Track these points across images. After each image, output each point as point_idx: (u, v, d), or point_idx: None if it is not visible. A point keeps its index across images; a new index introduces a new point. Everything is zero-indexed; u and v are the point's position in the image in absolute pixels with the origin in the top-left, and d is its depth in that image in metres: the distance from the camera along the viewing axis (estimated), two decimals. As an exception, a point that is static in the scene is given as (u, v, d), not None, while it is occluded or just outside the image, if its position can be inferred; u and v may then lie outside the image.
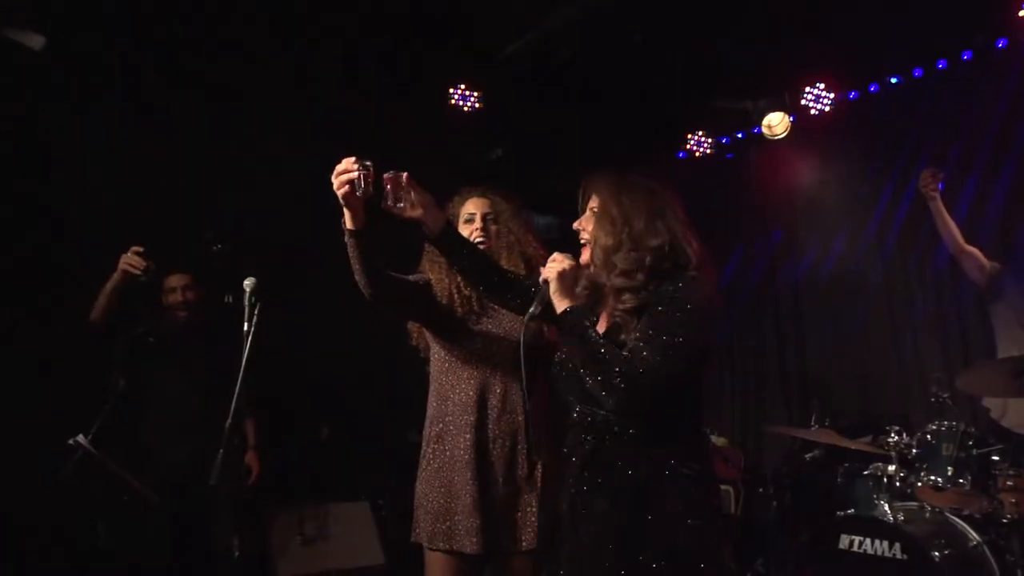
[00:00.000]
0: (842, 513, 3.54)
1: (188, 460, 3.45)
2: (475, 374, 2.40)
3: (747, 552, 4.54)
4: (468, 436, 2.34)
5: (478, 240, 2.43)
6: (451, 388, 2.41)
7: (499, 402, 2.38)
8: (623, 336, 1.84)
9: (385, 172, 1.99)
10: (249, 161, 4.65)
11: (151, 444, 3.65)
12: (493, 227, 2.49)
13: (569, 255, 1.98)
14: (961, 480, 3.29)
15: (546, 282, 1.96)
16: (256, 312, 2.48)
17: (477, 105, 4.95)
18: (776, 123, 5.05)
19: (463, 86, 4.91)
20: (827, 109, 4.94)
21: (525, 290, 2.12)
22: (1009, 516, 3.17)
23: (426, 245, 2.41)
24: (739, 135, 5.62)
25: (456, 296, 2.41)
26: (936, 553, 3.07)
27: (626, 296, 1.87)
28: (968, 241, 3.95)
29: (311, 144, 4.39)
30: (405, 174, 2.00)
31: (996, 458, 3.33)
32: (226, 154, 4.60)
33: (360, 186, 1.96)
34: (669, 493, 1.80)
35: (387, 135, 4.32)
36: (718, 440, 5.18)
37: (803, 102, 4.94)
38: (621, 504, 1.81)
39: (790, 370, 5.53)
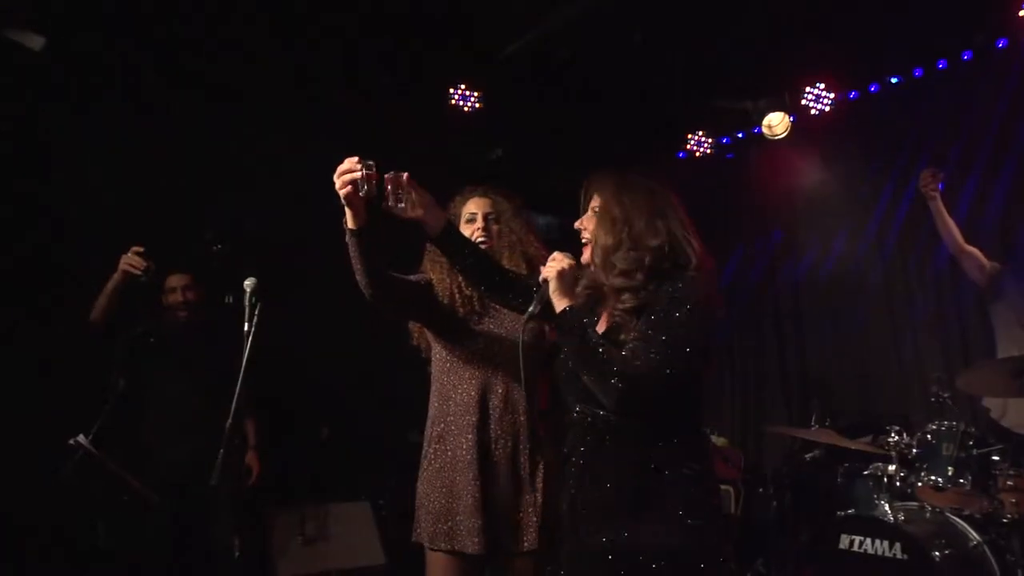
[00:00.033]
0: (842, 513, 3.54)
1: (188, 460, 3.44)
2: (477, 374, 2.39)
3: (747, 552, 4.54)
4: (470, 436, 2.33)
5: (480, 240, 2.42)
6: (453, 388, 2.41)
7: (501, 402, 2.38)
8: (622, 336, 1.84)
9: (385, 172, 2.00)
10: (249, 161, 4.65)
11: (151, 444, 3.65)
12: (495, 227, 2.49)
13: (569, 254, 1.98)
14: (961, 480, 3.29)
15: (546, 281, 1.96)
16: (256, 312, 2.48)
17: (477, 105, 4.96)
18: (776, 123, 5.05)
19: (463, 86, 4.91)
20: (827, 109, 4.94)
21: (527, 290, 2.12)
22: (1009, 516, 3.17)
23: (427, 245, 2.41)
24: (739, 135, 5.62)
25: (457, 296, 2.41)
26: (936, 553, 3.07)
27: (625, 296, 1.87)
28: (968, 241, 3.95)
29: (311, 144, 4.39)
30: (405, 174, 2.00)
31: (996, 458, 3.33)
32: (226, 154, 4.60)
33: (363, 186, 1.96)
34: (669, 493, 1.79)
35: (387, 135, 4.32)
36: (718, 440, 5.18)
37: (803, 102, 4.94)
38: (621, 504, 1.81)
39: (790, 370, 5.53)
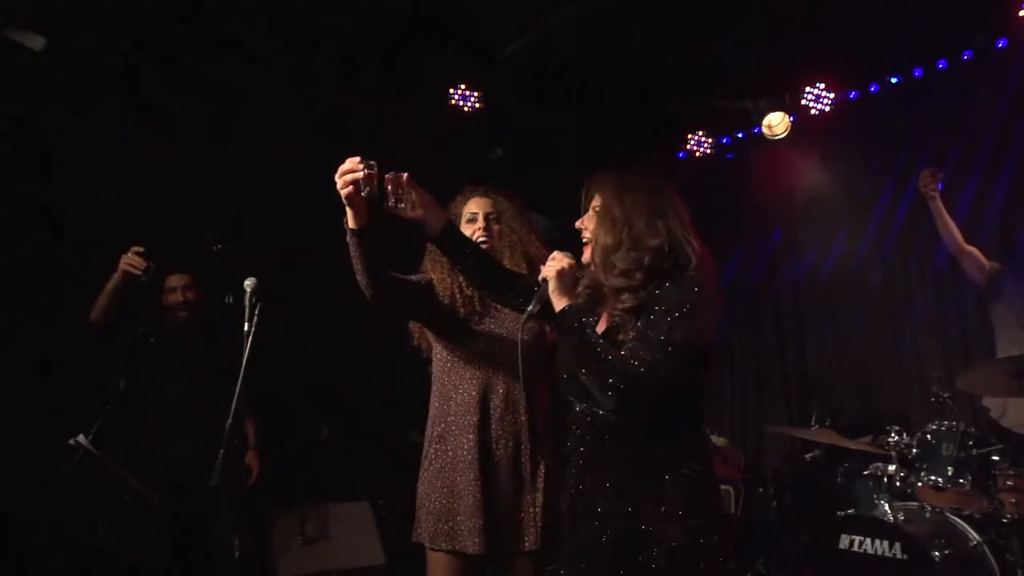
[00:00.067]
0: (842, 513, 3.54)
1: (188, 460, 3.45)
2: (477, 374, 2.39)
3: (747, 552, 4.54)
4: (471, 436, 2.33)
5: (481, 240, 2.42)
6: (453, 388, 2.41)
7: (502, 402, 2.37)
8: (621, 336, 1.84)
9: (386, 172, 2.00)
10: (249, 161, 4.65)
11: (151, 444, 3.65)
12: (496, 226, 2.49)
13: (569, 254, 1.98)
14: (961, 480, 3.29)
15: (545, 280, 1.96)
16: (256, 312, 2.48)
17: (477, 105, 4.95)
18: (776, 123, 5.05)
19: (463, 86, 4.91)
20: (827, 109, 4.94)
21: (528, 289, 2.12)
22: (1009, 516, 3.17)
23: (428, 245, 2.40)
24: (739, 135, 5.62)
25: (458, 296, 2.41)
26: (936, 553, 3.07)
27: (625, 296, 1.87)
28: (968, 241, 3.96)
29: (311, 144, 4.39)
30: (405, 174, 2.00)
31: (996, 458, 3.33)
32: (226, 154, 4.60)
33: (365, 186, 1.96)
34: (669, 493, 1.79)
35: (387, 135, 4.32)
36: (718, 440, 5.18)
37: (803, 102, 4.94)
38: (621, 504, 1.81)
39: (790, 370, 5.53)
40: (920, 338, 4.84)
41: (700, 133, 5.55)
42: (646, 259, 1.86)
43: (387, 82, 4.66)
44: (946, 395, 3.50)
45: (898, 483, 3.42)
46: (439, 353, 2.47)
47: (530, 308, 1.97)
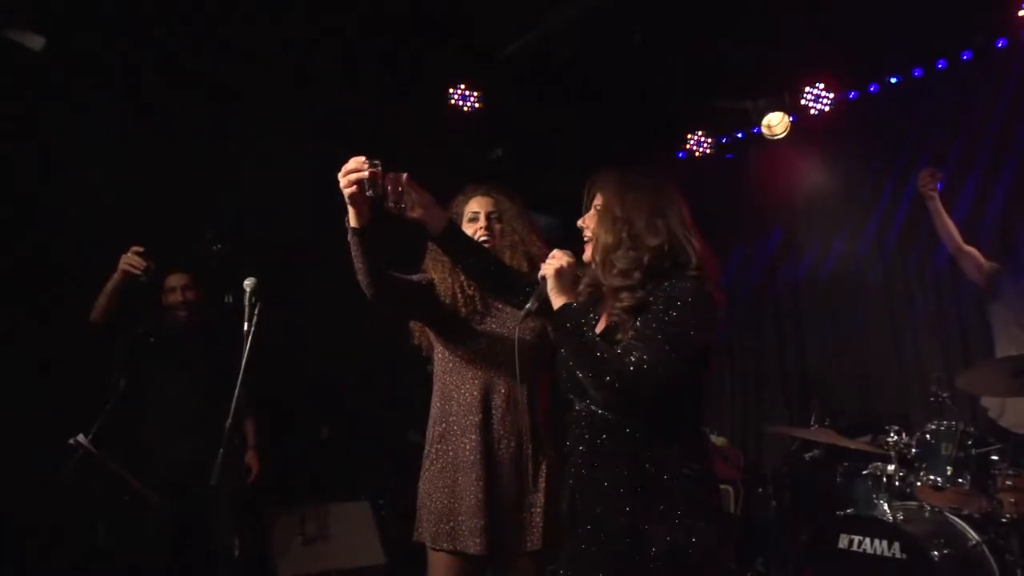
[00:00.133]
0: (842, 513, 3.54)
1: (188, 460, 3.45)
2: (479, 374, 2.39)
3: (747, 552, 4.54)
4: (473, 437, 2.33)
5: (482, 239, 2.42)
6: (455, 388, 2.40)
7: (503, 402, 2.37)
8: (620, 335, 1.84)
9: (387, 172, 2.00)
10: (249, 161, 4.65)
11: (151, 444, 3.65)
12: (497, 226, 2.48)
13: (569, 252, 1.98)
14: (960, 480, 3.29)
15: (544, 278, 1.96)
16: (256, 312, 2.48)
17: (477, 105, 4.96)
18: (776, 123, 5.05)
19: (463, 86, 4.92)
20: (827, 109, 4.95)
21: (530, 288, 2.12)
22: (1008, 516, 3.17)
23: (429, 244, 2.40)
24: (739, 135, 5.63)
25: (459, 296, 2.41)
26: (935, 553, 3.07)
27: (624, 295, 1.87)
28: (968, 241, 3.96)
29: (311, 144, 4.40)
30: (405, 175, 2.00)
31: (995, 458, 3.33)
32: (226, 154, 4.60)
33: (370, 187, 1.96)
34: (669, 493, 1.79)
35: (387, 135, 4.32)
36: (718, 440, 5.18)
37: (803, 102, 4.94)
38: (620, 504, 1.81)
39: (790, 370, 5.53)
40: (920, 338, 4.84)
41: (700, 133, 5.56)
42: (645, 258, 1.86)
43: (387, 82, 4.66)
44: (945, 395, 3.50)
45: (897, 483, 3.42)
46: (440, 353, 2.47)
47: (528, 306, 1.97)
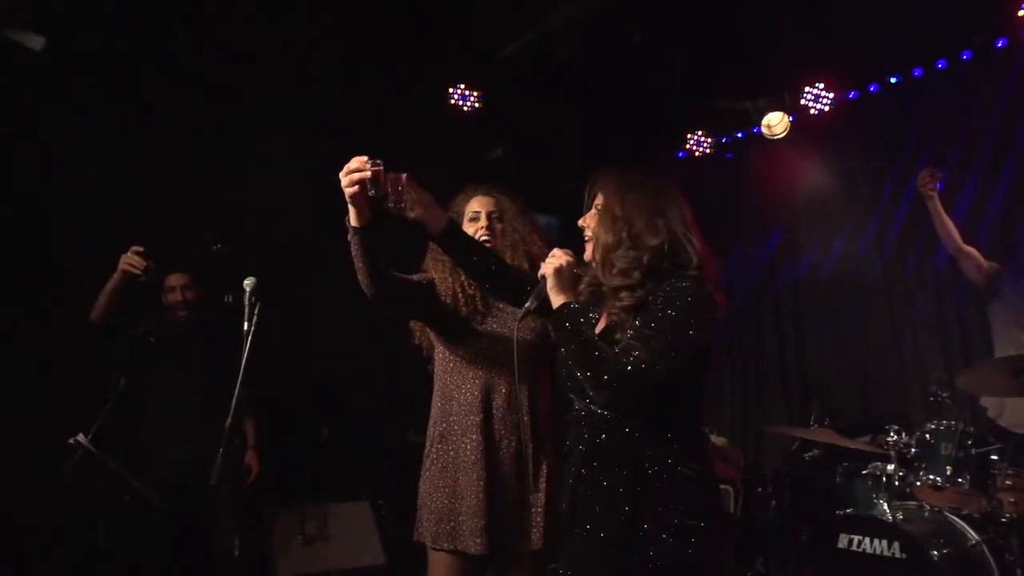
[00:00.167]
0: (841, 512, 3.54)
1: (188, 460, 3.45)
2: (480, 374, 2.39)
3: (747, 552, 4.54)
4: (474, 437, 2.33)
5: (483, 238, 2.42)
6: (456, 388, 2.40)
7: (504, 402, 2.37)
8: (619, 335, 1.84)
9: (387, 172, 2.00)
10: (249, 161, 4.65)
11: (151, 444, 3.65)
12: (498, 225, 2.48)
13: (569, 251, 1.99)
14: (960, 479, 3.29)
15: (544, 277, 1.96)
16: (256, 312, 2.48)
17: (477, 105, 4.96)
18: (776, 123, 5.05)
19: (463, 86, 4.92)
20: (827, 109, 4.95)
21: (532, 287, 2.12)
22: (1008, 515, 3.17)
23: (430, 244, 2.40)
24: (739, 135, 5.63)
25: (460, 296, 2.41)
26: (935, 552, 3.07)
27: (623, 294, 1.87)
28: (968, 241, 3.96)
29: (311, 144, 4.40)
30: (405, 175, 2.00)
31: (995, 457, 3.33)
32: (226, 154, 4.60)
33: (372, 187, 1.96)
34: (669, 493, 1.79)
35: (387, 135, 4.31)
36: (718, 440, 5.18)
37: (803, 102, 4.94)
38: (620, 503, 1.81)
39: (790, 370, 5.53)
40: (920, 338, 4.84)
41: (700, 133, 5.56)
42: (645, 258, 1.86)
43: (387, 82, 4.66)
44: (945, 395, 3.50)
45: (897, 482, 3.42)
46: (441, 353, 2.47)
47: (527, 304, 1.97)
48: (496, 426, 2.35)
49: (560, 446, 2.09)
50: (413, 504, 2.43)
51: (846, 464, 3.91)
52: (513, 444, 2.34)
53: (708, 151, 5.62)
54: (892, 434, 3.48)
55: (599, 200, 1.98)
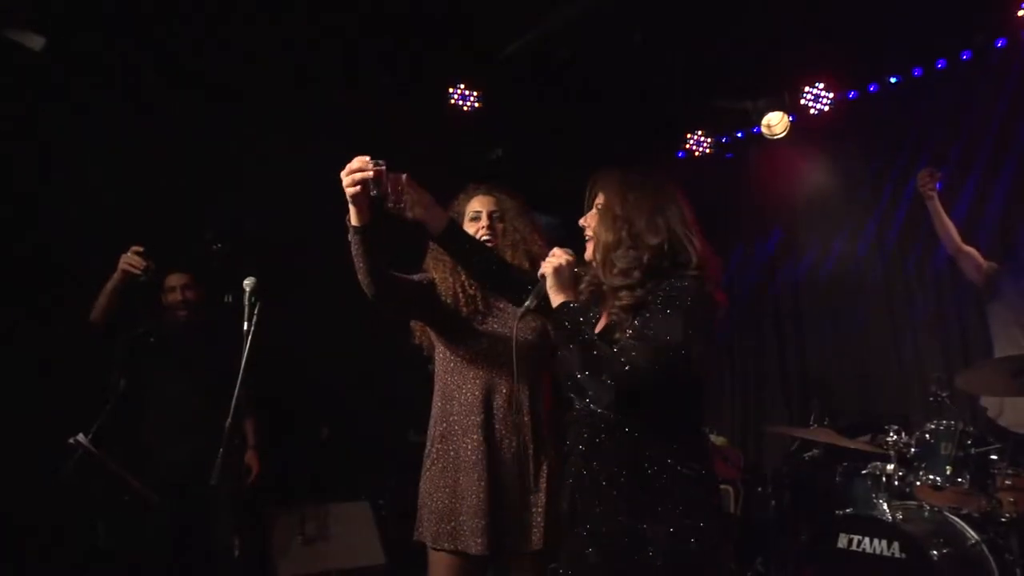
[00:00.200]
0: (841, 512, 3.54)
1: (188, 460, 3.45)
2: (480, 374, 2.38)
3: (747, 552, 4.54)
4: (475, 437, 2.33)
5: (484, 238, 2.42)
6: (456, 388, 2.40)
7: (505, 402, 2.37)
8: (618, 334, 1.84)
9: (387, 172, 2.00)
10: (249, 161, 4.66)
11: (151, 444, 3.65)
12: (499, 225, 2.48)
13: (569, 250, 1.98)
14: (960, 479, 3.29)
15: (543, 276, 1.96)
16: (256, 312, 2.48)
17: (477, 105, 4.96)
18: (776, 123, 5.06)
19: (463, 86, 4.92)
20: (827, 109, 4.95)
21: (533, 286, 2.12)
22: (1007, 515, 3.18)
23: (430, 244, 2.40)
24: (739, 135, 5.63)
25: (461, 295, 2.41)
26: (935, 552, 3.07)
27: (623, 294, 1.87)
28: (968, 241, 3.96)
29: (311, 144, 4.40)
30: (405, 175, 2.00)
31: (995, 457, 3.33)
32: (226, 154, 4.60)
33: (374, 187, 1.96)
34: (669, 493, 1.79)
35: (387, 135, 4.31)
36: (718, 440, 5.18)
37: (803, 102, 4.95)
38: (620, 503, 1.81)
39: (790, 370, 5.53)
40: (920, 338, 4.84)
41: (700, 133, 5.56)
42: (645, 257, 1.85)
43: (387, 82, 4.66)
44: (945, 394, 3.51)
45: (897, 482, 3.42)
46: (441, 353, 2.47)
47: (527, 304, 1.97)
48: (497, 426, 2.35)
49: (561, 446, 2.09)
50: (413, 504, 2.43)
51: (846, 464, 3.91)
52: (514, 444, 2.34)
53: (708, 151, 5.62)
54: (892, 434, 3.48)
55: (600, 199, 1.98)
